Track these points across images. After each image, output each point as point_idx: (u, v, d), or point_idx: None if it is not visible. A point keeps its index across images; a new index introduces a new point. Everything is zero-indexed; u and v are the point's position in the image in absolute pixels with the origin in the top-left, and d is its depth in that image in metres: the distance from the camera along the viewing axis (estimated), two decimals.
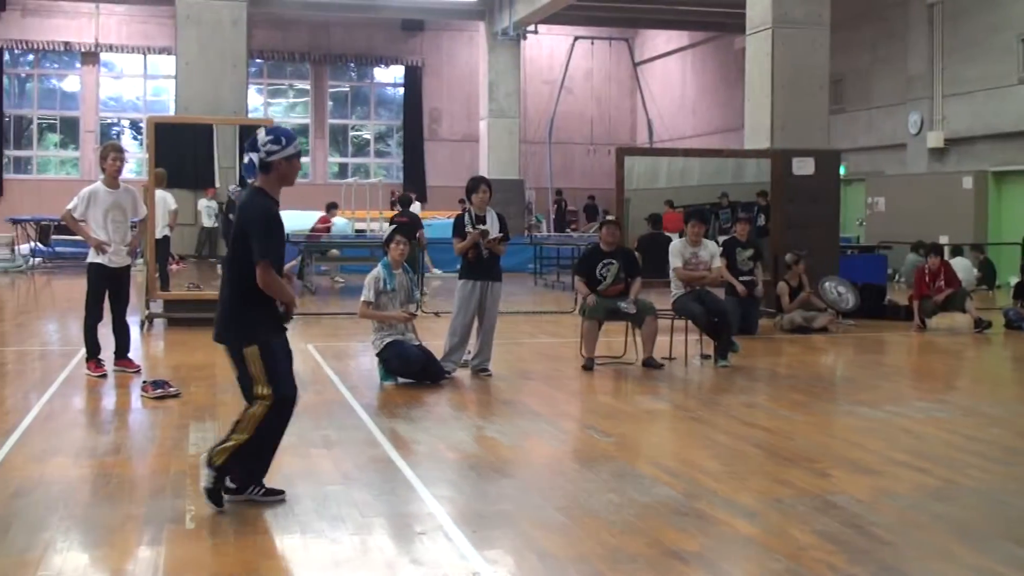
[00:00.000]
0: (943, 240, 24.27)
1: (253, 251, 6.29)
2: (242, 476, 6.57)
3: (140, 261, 16.16)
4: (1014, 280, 20.22)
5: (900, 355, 14.62)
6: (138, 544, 5.78)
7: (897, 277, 24.94)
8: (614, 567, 5.44)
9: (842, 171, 22.51)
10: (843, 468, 7.56)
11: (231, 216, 18.19)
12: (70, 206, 11.12)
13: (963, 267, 21.41)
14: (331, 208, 25.30)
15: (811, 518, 6.27)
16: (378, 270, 10.98)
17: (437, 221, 28.33)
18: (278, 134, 6.45)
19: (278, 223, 6.46)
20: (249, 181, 6.59)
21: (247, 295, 6.38)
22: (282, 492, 6.64)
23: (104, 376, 11.11)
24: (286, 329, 6.66)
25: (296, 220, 26.80)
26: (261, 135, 6.43)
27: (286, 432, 6.57)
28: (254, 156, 6.41)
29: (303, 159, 40.08)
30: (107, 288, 11.23)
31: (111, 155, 11.13)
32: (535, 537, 5.91)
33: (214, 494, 6.40)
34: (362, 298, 11.00)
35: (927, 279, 16.43)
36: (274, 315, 6.52)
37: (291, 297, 6.57)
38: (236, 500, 6.49)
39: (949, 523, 6.25)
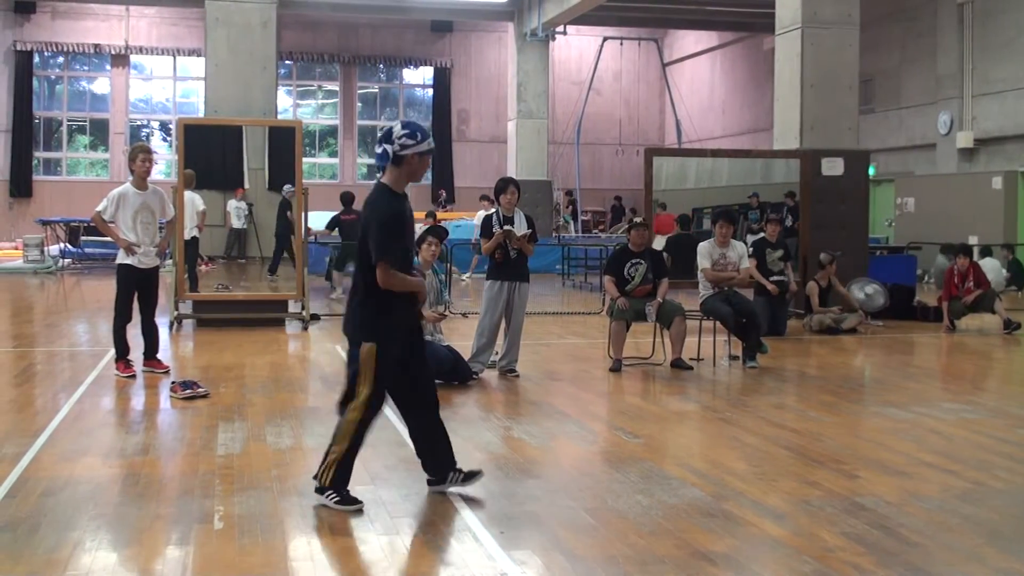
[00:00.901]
0: (972, 240, 24.17)
1: (372, 251, 6.36)
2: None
3: (169, 262, 16.24)
4: None
5: (929, 356, 14.56)
6: (166, 544, 5.81)
7: (927, 278, 24.84)
8: (642, 568, 5.44)
9: (871, 171, 22.46)
10: (871, 469, 7.54)
11: (289, 214, 18.31)
12: (99, 208, 11.17)
13: (992, 268, 21.28)
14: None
15: (839, 520, 6.26)
16: None
17: (465, 222, 28.38)
18: (414, 129, 6.53)
19: (400, 221, 6.55)
20: (377, 176, 6.64)
21: (372, 294, 6.44)
22: (360, 502, 6.54)
23: (133, 377, 11.16)
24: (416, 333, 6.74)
25: (323, 221, 26.83)
26: (397, 128, 6.51)
27: (313, 433, 6.55)
28: (388, 147, 6.48)
29: (332, 160, 39.98)
30: (136, 289, 11.28)
31: (140, 156, 11.18)
32: (563, 538, 5.91)
33: (345, 501, 6.46)
34: None
35: (956, 280, 16.35)
36: (404, 321, 6.60)
37: (415, 286, 6.58)
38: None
39: (978, 525, 6.23)
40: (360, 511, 6.41)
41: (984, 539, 5.96)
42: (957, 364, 13.83)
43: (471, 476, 6.84)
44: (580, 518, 6.30)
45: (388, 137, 6.49)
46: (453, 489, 6.82)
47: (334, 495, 6.47)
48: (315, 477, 6.58)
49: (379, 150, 6.54)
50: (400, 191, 6.60)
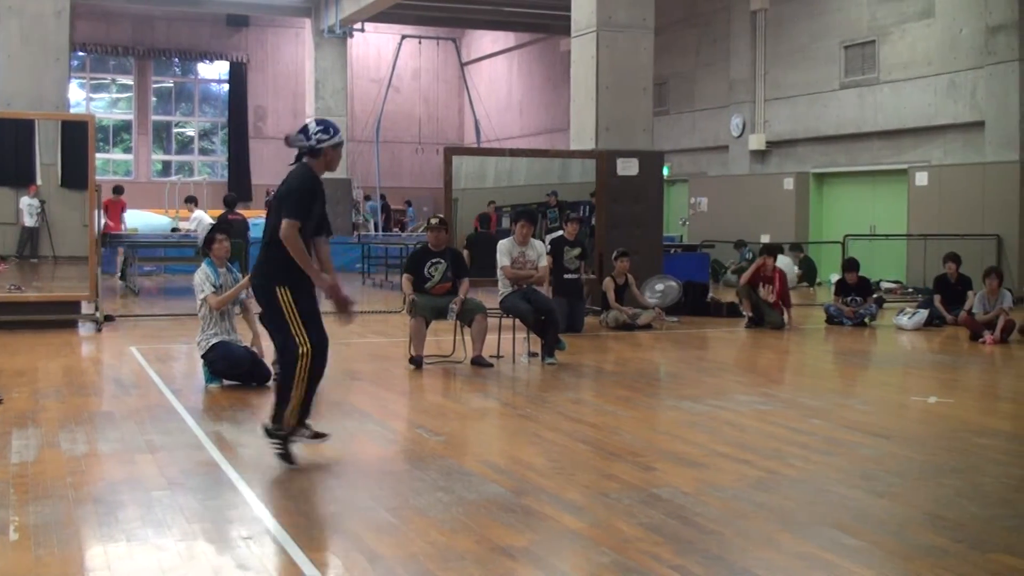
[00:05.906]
0: (764, 239, 24.89)
1: (284, 211, 7.21)
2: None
3: None
4: (835, 277, 20.81)
5: (723, 350, 14.92)
6: None
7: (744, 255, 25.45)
8: (443, 566, 5.45)
9: (666, 172, 22.94)
10: (668, 461, 7.69)
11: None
12: None
13: (784, 265, 21.93)
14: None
15: (637, 511, 6.36)
16: (204, 268, 10.84)
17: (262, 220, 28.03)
18: (327, 125, 7.55)
19: (313, 195, 7.42)
20: (301, 159, 7.54)
21: (278, 250, 7.27)
22: (327, 435, 7.85)
23: None
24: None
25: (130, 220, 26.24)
26: (312, 125, 7.53)
27: (109, 438, 6.44)
28: (305, 142, 7.43)
29: (126, 156, 39.03)
30: None
31: None
32: (364, 538, 5.89)
33: (287, 457, 7.40)
34: (203, 295, 10.77)
35: (760, 273, 16.64)
36: (304, 276, 7.34)
37: (312, 269, 7.31)
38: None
39: (772, 512, 6.40)
40: (295, 467, 7.37)
41: (778, 525, 6.13)
42: (750, 358, 14.20)
43: (319, 435, 7.78)
44: (381, 517, 6.28)
45: (305, 132, 7.46)
46: (250, 492, 6.75)
47: (280, 446, 7.39)
48: (273, 420, 7.40)
49: (297, 137, 7.47)
50: (319, 174, 7.50)
